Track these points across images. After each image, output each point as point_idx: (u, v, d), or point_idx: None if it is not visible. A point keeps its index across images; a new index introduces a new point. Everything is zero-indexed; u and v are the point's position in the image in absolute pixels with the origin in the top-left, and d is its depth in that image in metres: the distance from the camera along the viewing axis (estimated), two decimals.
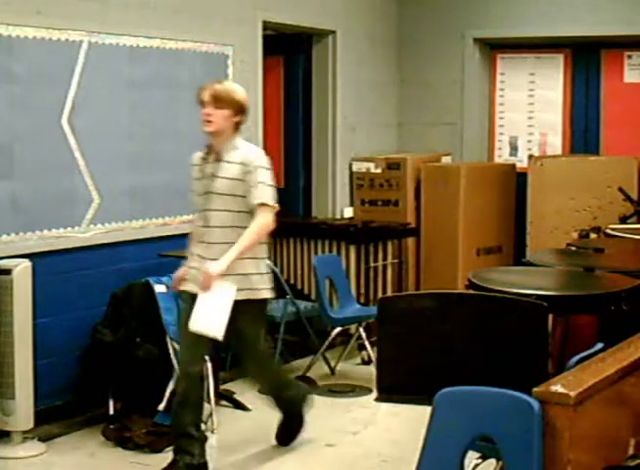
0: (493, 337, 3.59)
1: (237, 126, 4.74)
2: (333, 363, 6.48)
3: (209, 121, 4.60)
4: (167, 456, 4.92)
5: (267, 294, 4.74)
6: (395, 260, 7.28)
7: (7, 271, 4.85)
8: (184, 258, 5.74)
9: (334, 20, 7.28)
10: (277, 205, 4.74)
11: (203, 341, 4.54)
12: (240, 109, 4.69)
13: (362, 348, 6.54)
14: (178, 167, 6.03)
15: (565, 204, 7.06)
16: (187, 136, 6.07)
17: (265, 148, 6.78)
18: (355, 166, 7.50)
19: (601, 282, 4.48)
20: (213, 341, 4.50)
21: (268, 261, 6.19)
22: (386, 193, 7.40)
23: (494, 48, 7.98)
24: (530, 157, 7.42)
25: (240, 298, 4.51)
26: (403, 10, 7.96)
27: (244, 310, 4.53)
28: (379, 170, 7.41)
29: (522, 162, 7.84)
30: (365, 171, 7.46)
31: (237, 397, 5.80)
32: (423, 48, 7.91)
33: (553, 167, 7.18)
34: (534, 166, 7.20)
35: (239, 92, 4.73)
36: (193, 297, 4.59)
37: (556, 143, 7.85)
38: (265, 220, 4.60)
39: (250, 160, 4.63)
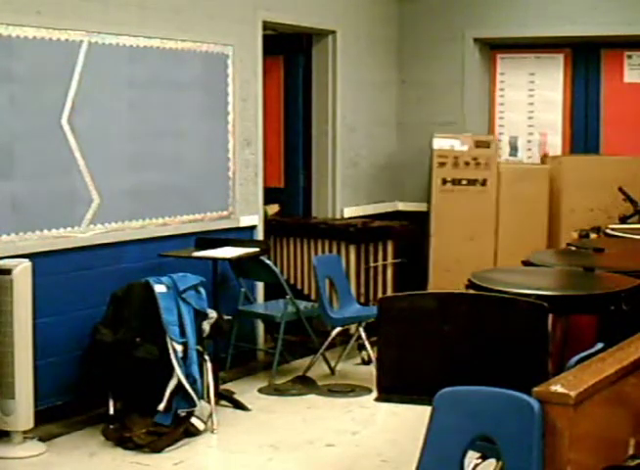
0: (493, 337, 3.59)
1: None
2: (333, 363, 6.48)
3: None
4: (167, 456, 4.93)
5: None
6: (395, 260, 7.28)
7: (7, 271, 4.85)
8: (184, 257, 5.77)
9: (334, 20, 7.29)
10: None
11: None
12: None
13: (362, 348, 6.54)
14: (178, 167, 6.04)
15: (581, 202, 7.03)
16: (187, 136, 6.09)
17: (265, 148, 6.81)
18: (437, 144, 7.09)
19: (601, 282, 4.48)
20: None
21: (268, 261, 6.24)
22: (472, 172, 7.05)
23: (494, 48, 7.98)
24: (545, 156, 7.41)
25: None
26: (403, 10, 7.96)
27: None
28: (465, 148, 7.07)
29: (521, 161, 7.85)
30: (449, 149, 7.07)
31: (237, 397, 5.80)
32: (423, 48, 7.91)
33: (571, 166, 7.15)
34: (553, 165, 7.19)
35: None
36: None
37: (556, 143, 7.85)
38: None
39: None
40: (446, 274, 7.16)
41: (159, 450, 4.97)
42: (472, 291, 4.13)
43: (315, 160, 7.48)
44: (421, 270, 7.49)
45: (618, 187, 6.62)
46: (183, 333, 5.22)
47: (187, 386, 5.14)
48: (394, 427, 5.38)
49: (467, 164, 7.05)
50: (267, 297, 6.77)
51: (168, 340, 5.16)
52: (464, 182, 7.04)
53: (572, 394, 2.80)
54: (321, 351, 6.38)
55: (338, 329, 6.42)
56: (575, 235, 6.28)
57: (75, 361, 5.41)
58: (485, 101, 8.01)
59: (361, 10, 7.58)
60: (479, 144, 7.05)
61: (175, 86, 5.98)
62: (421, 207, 7.86)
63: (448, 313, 3.65)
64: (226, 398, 5.74)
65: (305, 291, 7.06)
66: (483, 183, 7.02)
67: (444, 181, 7.11)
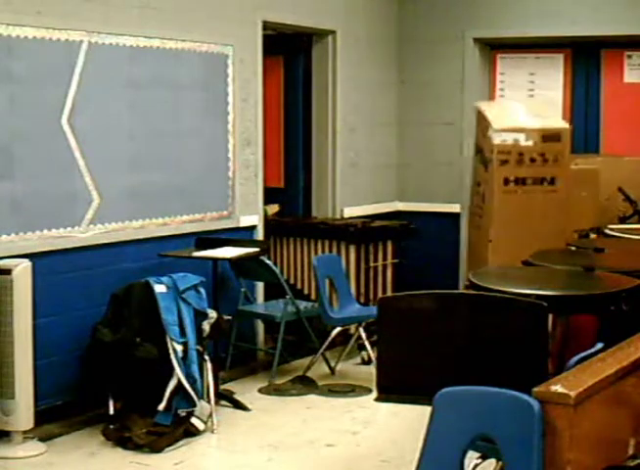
0: (493, 337, 3.59)
1: None
2: (333, 363, 6.48)
3: None
4: (167, 456, 4.93)
5: None
6: (395, 260, 7.28)
7: (7, 271, 4.85)
8: (184, 257, 5.77)
9: (334, 20, 7.29)
10: None
11: None
12: None
13: (362, 348, 6.54)
14: (178, 167, 6.04)
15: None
16: (187, 136, 6.09)
17: (265, 148, 6.81)
18: (498, 138, 6.21)
19: (601, 282, 4.48)
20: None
21: (268, 261, 6.24)
22: (539, 169, 6.13)
23: (494, 48, 7.98)
24: None
25: None
26: (403, 10, 7.96)
27: None
28: (530, 143, 6.13)
29: None
30: (512, 144, 6.13)
31: (237, 397, 5.80)
32: (423, 48, 7.91)
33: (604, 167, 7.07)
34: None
35: None
36: None
37: None
38: None
39: None
40: None
41: (158, 450, 4.97)
42: (472, 291, 4.13)
43: (315, 160, 7.48)
44: (418, 270, 7.50)
45: (618, 187, 6.62)
46: (183, 333, 5.22)
47: (187, 386, 5.14)
48: (394, 427, 5.38)
49: (533, 160, 6.15)
50: (267, 297, 6.77)
51: (168, 340, 5.16)
52: (529, 181, 6.16)
53: (572, 394, 2.80)
54: (321, 351, 6.38)
55: (338, 329, 6.42)
56: (575, 235, 6.28)
57: (75, 361, 5.41)
58: (485, 101, 8.00)
59: (361, 10, 7.58)
60: (546, 137, 6.14)
61: (175, 86, 5.98)
62: (421, 207, 7.88)
63: (448, 313, 3.66)
64: (226, 398, 5.74)
65: (305, 291, 7.06)
66: (552, 182, 6.13)
67: (506, 181, 6.20)
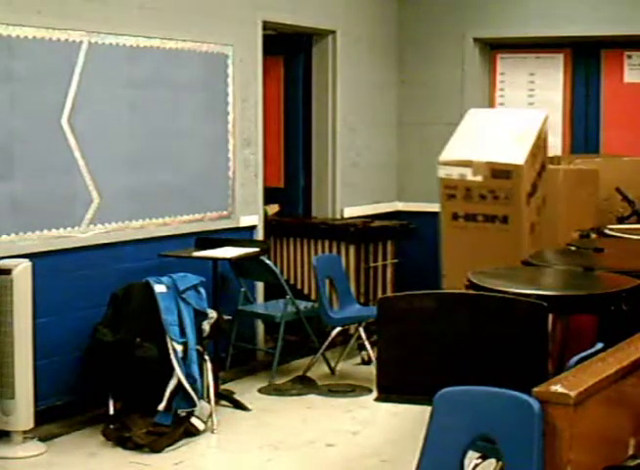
0: (493, 337, 3.59)
1: None
2: (333, 363, 6.48)
3: None
4: (167, 456, 4.93)
5: None
6: (395, 260, 7.28)
7: (7, 271, 4.85)
8: (184, 257, 5.77)
9: (334, 20, 7.29)
10: None
11: None
12: None
13: (362, 348, 6.54)
14: (178, 167, 6.05)
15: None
16: (187, 136, 6.09)
17: (265, 148, 6.82)
18: (444, 172, 5.61)
19: (601, 282, 4.47)
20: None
21: (268, 261, 6.24)
22: (490, 207, 5.53)
23: (494, 48, 7.98)
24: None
25: None
26: (403, 10, 7.95)
27: None
28: (479, 178, 5.49)
29: None
30: (458, 179, 5.55)
31: (237, 397, 5.80)
32: (423, 48, 7.91)
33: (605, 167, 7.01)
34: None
35: None
36: None
37: (556, 143, 7.84)
38: None
39: None
40: None
41: (159, 450, 4.97)
42: (472, 291, 4.13)
43: (315, 160, 7.48)
44: (418, 270, 7.50)
45: (616, 187, 6.61)
46: (183, 333, 5.22)
47: (187, 386, 5.14)
48: (394, 427, 5.38)
49: (482, 197, 5.54)
50: (267, 297, 6.77)
51: (168, 340, 5.16)
52: (480, 218, 5.58)
53: (572, 394, 2.80)
54: (321, 351, 6.38)
55: (338, 329, 6.42)
56: (576, 235, 6.28)
57: (75, 361, 5.41)
58: (485, 101, 8.00)
59: (361, 10, 7.58)
60: (496, 173, 5.48)
61: (175, 86, 5.98)
62: (421, 207, 7.88)
63: (448, 313, 3.66)
64: (226, 398, 5.74)
65: (305, 291, 7.06)
66: (504, 220, 5.52)
67: (455, 216, 5.64)
